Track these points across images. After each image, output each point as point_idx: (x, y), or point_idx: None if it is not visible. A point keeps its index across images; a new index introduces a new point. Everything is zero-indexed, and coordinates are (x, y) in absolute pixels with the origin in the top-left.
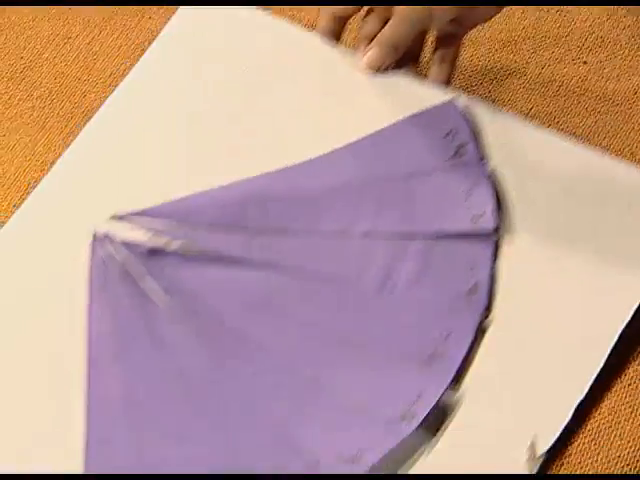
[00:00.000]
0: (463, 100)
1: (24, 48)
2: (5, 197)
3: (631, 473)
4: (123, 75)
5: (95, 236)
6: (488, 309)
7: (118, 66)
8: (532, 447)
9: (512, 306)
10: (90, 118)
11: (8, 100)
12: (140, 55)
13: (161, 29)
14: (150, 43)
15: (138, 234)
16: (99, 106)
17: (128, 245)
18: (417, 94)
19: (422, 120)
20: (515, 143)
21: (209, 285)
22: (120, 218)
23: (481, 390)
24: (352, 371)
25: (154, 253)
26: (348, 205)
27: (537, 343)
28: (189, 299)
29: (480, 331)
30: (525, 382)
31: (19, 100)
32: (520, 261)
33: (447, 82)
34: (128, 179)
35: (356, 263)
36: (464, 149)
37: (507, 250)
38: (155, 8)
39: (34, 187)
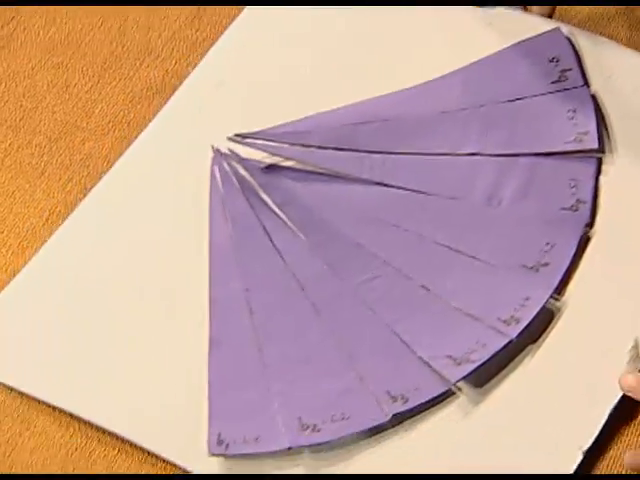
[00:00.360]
0: (566, 29)
1: (24, 96)
2: (4, 244)
3: None
4: (122, 123)
5: (215, 153)
6: (590, 224)
7: (117, 114)
8: (636, 347)
9: (613, 221)
10: (89, 166)
11: (8, 147)
12: (139, 103)
13: (159, 77)
14: (148, 91)
15: (254, 153)
16: (98, 153)
17: (245, 161)
18: (524, 23)
19: (528, 47)
20: (615, 68)
21: (322, 200)
22: (237, 139)
23: (584, 298)
24: (461, 278)
25: (270, 169)
26: (455, 128)
27: (638, 255)
28: (304, 212)
29: (583, 243)
30: (626, 291)
31: (18, 147)
32: (621, 179)
33: (550, 16)
34: (246, 101)
35: (464, 179)
36: (568, 74)
37: (609, 168)
38: (153, 57)
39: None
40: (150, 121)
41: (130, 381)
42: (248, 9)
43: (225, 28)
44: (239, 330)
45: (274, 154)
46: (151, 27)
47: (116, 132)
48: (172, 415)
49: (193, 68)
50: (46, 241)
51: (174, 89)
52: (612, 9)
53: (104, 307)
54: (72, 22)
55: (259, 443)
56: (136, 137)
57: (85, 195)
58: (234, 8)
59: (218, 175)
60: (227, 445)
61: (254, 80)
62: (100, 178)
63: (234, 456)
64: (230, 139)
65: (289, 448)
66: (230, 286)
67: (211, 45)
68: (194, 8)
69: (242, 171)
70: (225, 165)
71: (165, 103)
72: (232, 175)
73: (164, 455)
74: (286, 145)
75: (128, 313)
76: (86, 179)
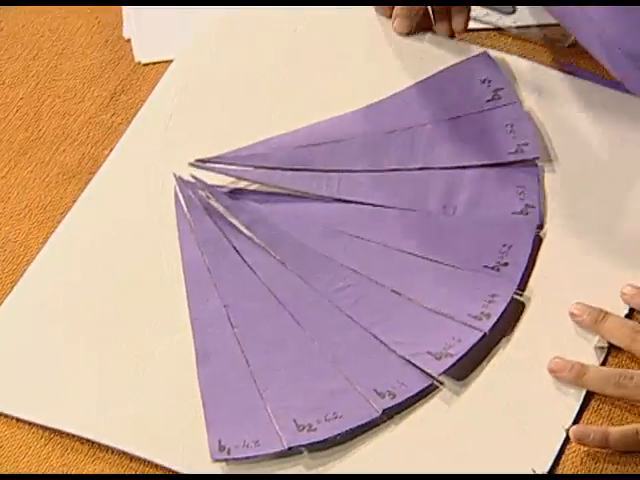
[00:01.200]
0: (493, 53)
1: None
2: None
3: None
4: (38, 207)
5: (178, 180)
6: (540, 225)
7: (33, 199)
8: (602, 339)
9: (560, 221)
10: (6, 250)
11: None
12: (55, 188)
13: (75, 161)
14: (64, 175)
15: (214, 177)
16: (14, 238)
17: (209, 187)
18: (453, 48)
19: (460, 69)
20: (544, 87)
21: (287, 218)
22: (198, 164)
23: (544, 291)
24: (429, 282)
25: (233, 193)
26: (403, 146)
27: (588, 246)
28: (271, 231)
29: (536, 243)
30: (582, 281)
31: None
32: (562, 183)
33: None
34: (206, 128)
35: (416, 192)
36: (500, 92)
37: (550, 174)
38: (69, 141)
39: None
40: (67, 206)
41: (122, 397)
42: (197, 35)
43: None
44: (223, 344)
45: (235, 177)
46: (67, 112)
47: (32, 217)
48: (171, 426)
49: (110, 152)
50: None
51: (91, 173)
52: (535, 37)
53: (87, 332)
54: None
55: (260, 446)
56: (56, 222)
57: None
58: (150, 91)
59: (183, 201)
60: (229, 450)
61: (206, 108)
62: (19, 264)
63: (237, 460)
64: (192, 165)
65: (289, 449)
66: (209, 304)
67: (126, 128)
68: (109, 92)
69: (206, 196)
70: (189, 191)
71: (83, 187)
72: (197, 200)
73: (167, 465)
74: (246, 168)
75: (112, 334)
76: (3, 264)
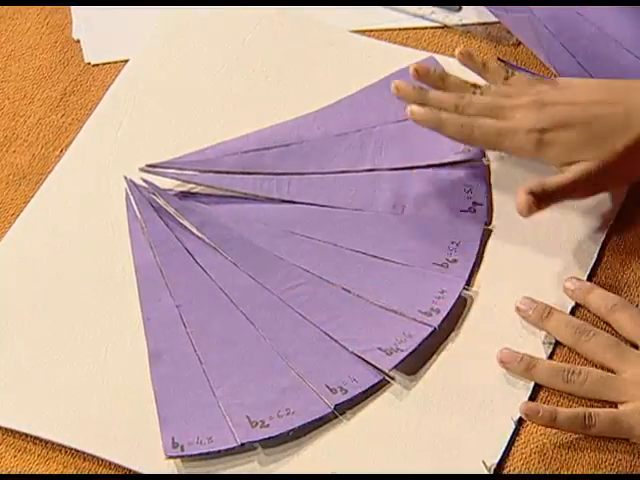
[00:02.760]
0: (438, 57)
1: None
2: None
3: None
4: None
5: (129, 183)
6: (488, 222)
7: None
8: (549, 335)
9: (506, 218)
10: None
11: None
12: (5, 189)
13: (25, 162)
14: (15, 176)
15: (165, 182)
16: None
17: (160, 190)
18: (399, 53)
19: (407, 73)
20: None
21: (237, 219)
22: (148, 169)
23: (491, 286)
24: (379, 279)
25: (183, 195)
26: (352, 148)
27: (534, 242)
28: (222, 232)
29: (484, 239)
30: (529, 274)
31: None
32: (507, 182)
33: None
34: (157, 131)
35: (365, 193)
36: None
37: (495, 173)
38: (19, 142)
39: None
40: (18, 207)
41: (75, 396)
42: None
43: (92, 111)
44: (176, 343)
45: (186, 181)
46: (17, 113)
47: None
48: (124, 425)
49: (61, 152)
50: None
51: (41, 174)
52: (481, 35)
53: (39, 332)
54: None
55: (213, 442)
56: (7, 223)
57: None
58: (100, 91)
59: (134, 203)
60: (182, 447)
61: (157, 112)
62: None
63: (190, 457)
64: (142, 170)
65: (242, 445)
66: (161, 304)
67: (78, 129)
68: (59, 93)
69: (157, 199)
70: (140, 194)
71: (34, 188)
72: (148, 202)
73: (121, 462)
74: (196, 172)
75: (64, 334)
76: None
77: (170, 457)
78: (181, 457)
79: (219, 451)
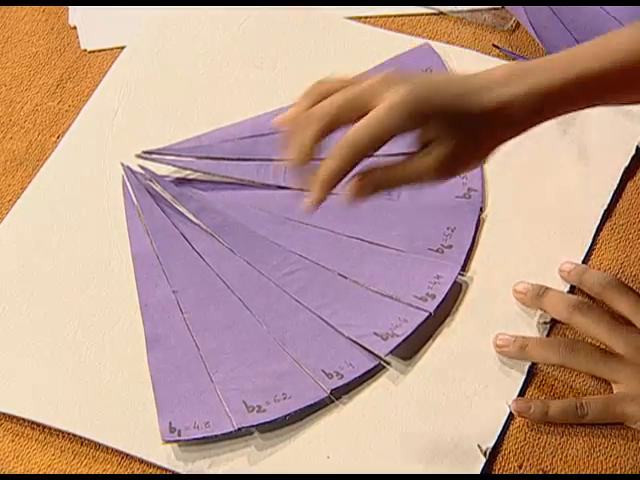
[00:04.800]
0: (434, 44)
1: None
2: None
3: None
4: None
5: (126, 170)
6: (482, 208)
7: None
8: (544, 315)
9: (500, 203)
10: None
11: None
12: (3, 175)
13: (22, 149)
14: (12, 162)
15: (162, 168)
16: None
17: (157, 176)
18: (395, 40)
19: (403, 60)
20: None
21: (233, 205)
22: (145, 155)
23: (486, 272)
24: (375, 265)
25: (180, 182)
26: None
27: (528, 227)
28: (219, 218)
29: (479, 225)
30: (524, 260)
31: None
32: (502, 168)
33: None
34: (153, 118)
35: None
36: None
37: (491, 160)
38: (16, 129)
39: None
40: (15, 193)
41: (73, 381)
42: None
43: (88, 97)
44: (173, 328)
45: (182, 168)
46: (13, 100)
47: None
48: (122, 409)
49: (57, 139)
50: None
51: (38, 160)
52: (476, 21)
53: (37, 317)
54: None
55: (210, 427)
56: (4, 209)
57: None
58: (97, 78)
59: (131, 190)
60: (179, 432)
61: (153, 99)
62: None
63: (187, 441)
64: (138, 156)
65: (239, 429)
66: (158, 290)
67: (75, 116)
68: (55, 79)
69: (154, 185)
70: (136, 180)
71: (31, 174)
72: (145, 189)
73: (118, 447)
74: (192, 159)
75: (62, 320)
76: None
77: (167, 442)
78: (178, 442)
79: (216, 436)
